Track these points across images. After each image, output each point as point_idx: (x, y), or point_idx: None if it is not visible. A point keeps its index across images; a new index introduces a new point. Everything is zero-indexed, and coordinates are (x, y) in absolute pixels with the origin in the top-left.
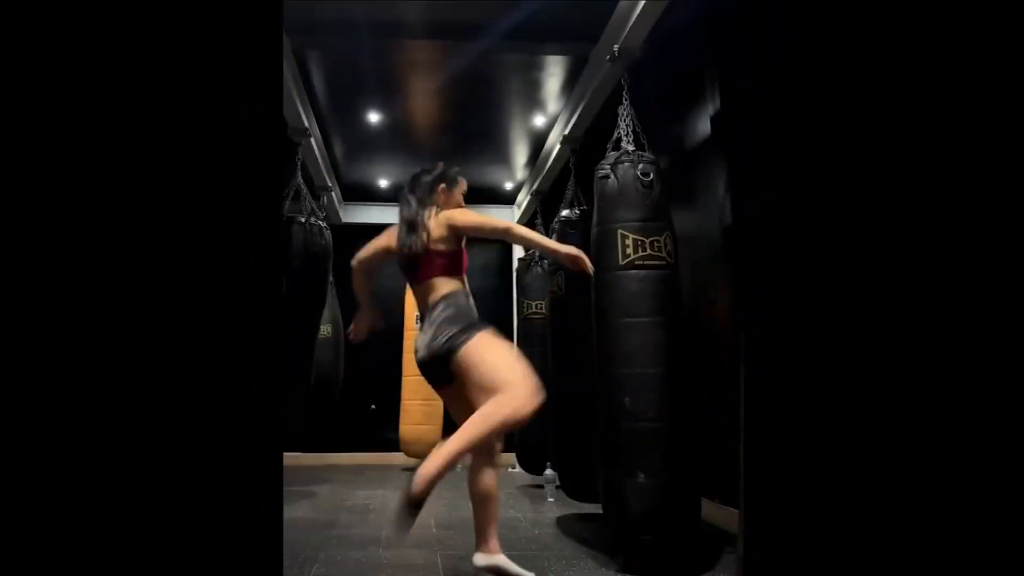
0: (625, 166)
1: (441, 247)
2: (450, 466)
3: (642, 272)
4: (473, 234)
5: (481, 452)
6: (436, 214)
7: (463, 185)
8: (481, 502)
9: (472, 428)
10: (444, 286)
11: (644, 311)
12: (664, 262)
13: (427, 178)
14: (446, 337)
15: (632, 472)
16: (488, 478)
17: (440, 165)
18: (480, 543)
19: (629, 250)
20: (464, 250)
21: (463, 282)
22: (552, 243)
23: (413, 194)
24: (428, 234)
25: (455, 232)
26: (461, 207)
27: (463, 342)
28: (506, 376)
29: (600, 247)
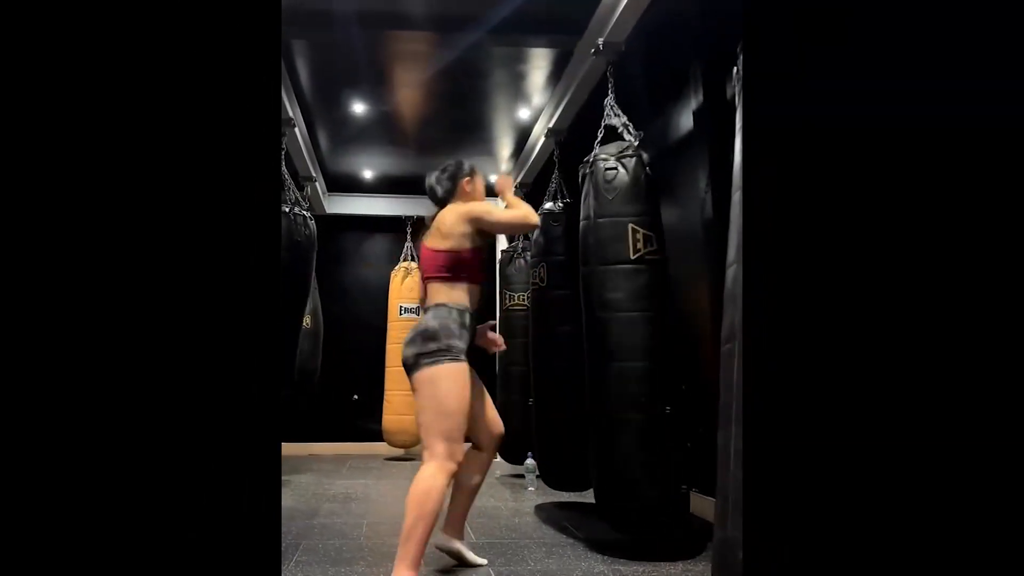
0: (633, 160)
1: (447, 244)
2: (421, 553)
3: (649, 266)
4: (498, 231)
5: (472, 456)
6: (453, 208)
7: (482, 177)
8: (459, 491)
9: (420, 513)
10: (441, 293)
11: (652, 304)
12: (663, 257)
13: (447, 173)
14: (413, 353)
15: (638, 463)
16: (476, 478)
17: (455, 163)
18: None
19: (640, 244)
20: (478, 251)
21: (468, 292)
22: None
23: (437, 190)
24: (437, 230)
25: (475, 227)
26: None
27: (423, 365)
28: (436, 429)
29: (604, 240)
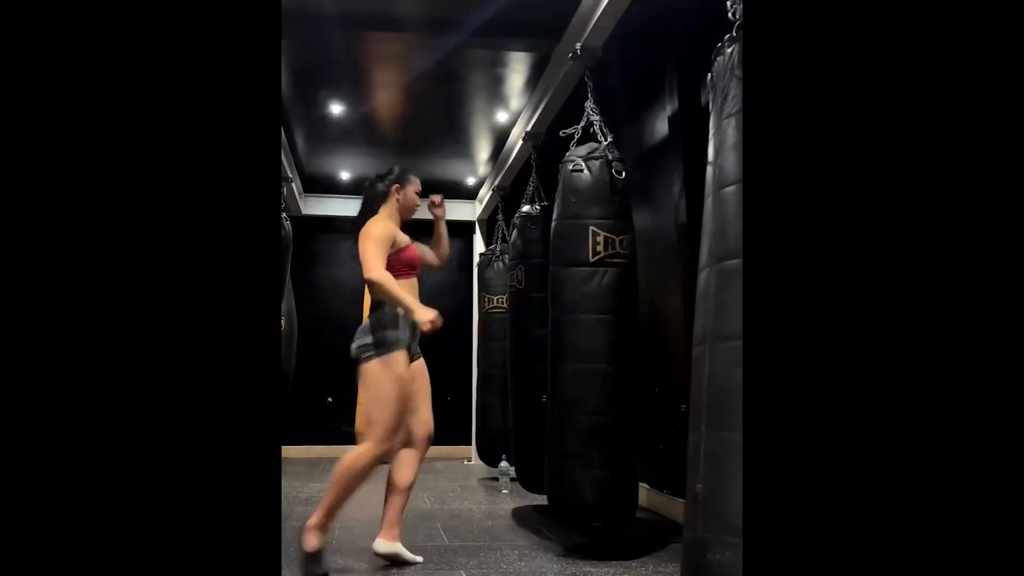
0: (599, 162)
1: None
2: (331, 516)
3: (610, 269)
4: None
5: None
6: (365, 228)
7: (416, 184)
8: (391, 491)
9: (341, 482)
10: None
11: (609, 307)
12: (629, 261)
13: (381, 185)
14: (356, 347)
15: (583, 462)
16: (405, 471)
17: (395, 168)
18: (383, 529)
19: (600, 247)
20: (399, 256)
21: (401, 288)
22: (410, 302)
23: (367, 201)
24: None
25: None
26: (417, 205)
27: (364, 359)
28: (373, 416)
29: (568, 241)
